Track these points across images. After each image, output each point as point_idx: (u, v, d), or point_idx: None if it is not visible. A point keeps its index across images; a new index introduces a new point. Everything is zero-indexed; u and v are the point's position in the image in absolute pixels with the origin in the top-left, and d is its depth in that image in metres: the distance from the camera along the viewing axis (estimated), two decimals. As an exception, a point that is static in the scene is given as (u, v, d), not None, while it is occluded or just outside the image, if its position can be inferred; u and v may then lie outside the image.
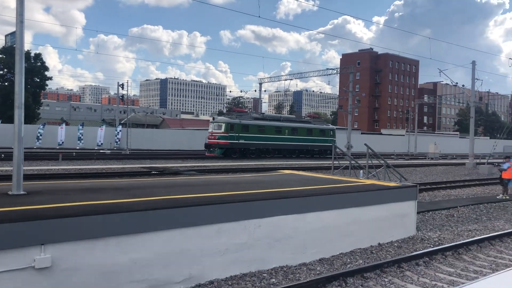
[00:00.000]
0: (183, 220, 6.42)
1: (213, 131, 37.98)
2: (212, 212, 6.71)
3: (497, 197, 17.07)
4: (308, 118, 47.82)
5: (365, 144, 14.34)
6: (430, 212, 13.28)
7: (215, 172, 22.10)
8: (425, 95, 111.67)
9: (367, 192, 9.09)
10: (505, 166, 16.97)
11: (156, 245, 6.15)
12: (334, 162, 15.08)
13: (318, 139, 43.78)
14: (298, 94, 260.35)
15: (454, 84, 40.19)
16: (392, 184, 10.45)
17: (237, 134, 37.85)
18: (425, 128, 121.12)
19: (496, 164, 20.77)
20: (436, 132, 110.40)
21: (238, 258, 6.93)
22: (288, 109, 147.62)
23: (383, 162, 13.90)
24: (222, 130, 37.31)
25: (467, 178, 25.58)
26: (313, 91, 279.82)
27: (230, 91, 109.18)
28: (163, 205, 6.45)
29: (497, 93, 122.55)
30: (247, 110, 50.06)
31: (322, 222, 8.12)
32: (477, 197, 17.13)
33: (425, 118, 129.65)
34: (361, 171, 13.69)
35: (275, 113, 46.58)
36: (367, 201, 8.96)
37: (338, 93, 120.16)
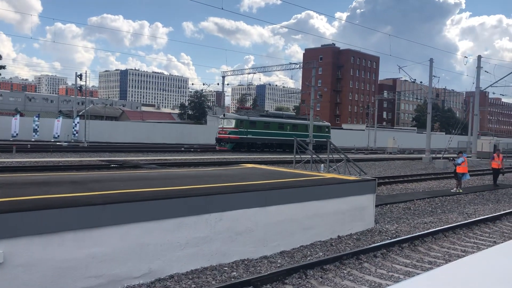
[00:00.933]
0: (142, 214, 6.35)
1: (224, 126, 41.39)
2: (172, 206, 6.67)
3: (451, 190, 17.63)
4: (304, 115, 51.64)
5: (326, 139, 14.60)
6: (388, 205, 13.64)
7: (177, 166, 22.01)
8: (384, 91, 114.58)
9: (328, 186, 9.26)
10: (459, 160, 17.43)
11: (114, 239, 6.06)
12: (296, 156, 15.28)
13: (316, 135, 46.74)
14: (261, 88, 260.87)
15: (412, 80, 41.39)
16: (352, 178, 10.67)
17: (246, 130, 41.42)
18: (384, 123, 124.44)
19: (451, 158, 21.55)
20: (395, 127, 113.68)
21: (199, 252, 6.92)
22: (251, 103, 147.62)
23: (343, 156, 14.22)
24: (233, 125, 40.80)
25: (424, 172, 26.33)
26: (276, 85, 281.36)
27: (193, 84, 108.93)
28: (121, 199, 6.34)
29: (453, 90, 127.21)
30: (252, 107, 52.95)
31: (283, 215, 8.22)
32: (433, 191, 17.68)
33: (385, 113, 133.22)
34: (322, 165, 13.90)
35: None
36: (327, 194, 9.13)
37: (300, 88, 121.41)
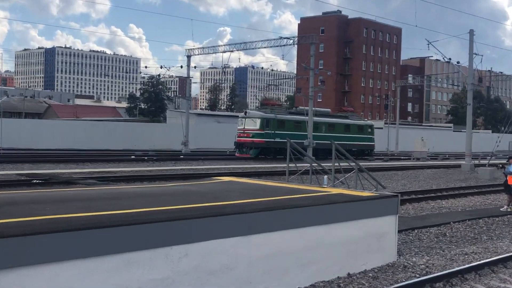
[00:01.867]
0: (76, 249, 6.27)
1: (246, 128, 44.48)
2: (118, 237, 6.61)
3: (501, 209, 17.87)
4: (342, 112, 55.76)
5: (331, 141, 14.74)
6: (416, 231, 13.78)
7: (125, 181, 22.08)
8: (409, 75, 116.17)
9: (333, 205, 9.30)
10: (511, 168, 17.76)
11: (38, 283, 5.97)
12: (291, 165, 15.35)
13: (356, 137, 50.72)
14: (241, 72, 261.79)
15: (446, 60, 42.03)
16: (366, 193, 10.73)
17: (273, 132, 44.50)
18: (409, 118, 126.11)
19: (500, 166, 21.89)
20: (423, 124, 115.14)
21: (157, 300, 6.88)
22: (228, 93, 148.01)
23: (354, 164, 14.33)
24: (257, 126, 43.88)
25: (463, 185, 26.81)
26: (262, 68, 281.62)
27: (146, 67, 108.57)
28: (47, 228, 6.26)
29: (501, 72, 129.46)
30: (280, 103, 55.28)
31: (273, 247, 8.22)
32: (476, 210, 17.95)
33: (410, 105, 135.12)
34: (325, 176, 14.03)
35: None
36: (332, 217, 9.16)
37: (295, 71, 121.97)
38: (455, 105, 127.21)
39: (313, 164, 15.47)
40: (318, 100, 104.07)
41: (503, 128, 58.45)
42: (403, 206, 18.08)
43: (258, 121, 44.22)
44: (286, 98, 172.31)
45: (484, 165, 35.74)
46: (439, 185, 26.71)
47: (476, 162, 40.37)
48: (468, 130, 39.07)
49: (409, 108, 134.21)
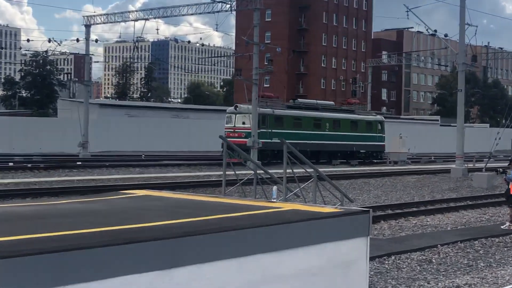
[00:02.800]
0: None
1: (237, 126, 47.50)
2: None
3: (502, 227, 18.29)
4: (347, 105, 60.13)
5: (281, 140, 14.78)
6: (393, 257, 13.94)
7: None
8: (383, 52, 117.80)
9: (284, 226, 9.27)
10: None
11: None
12: (226, 173, 15.37)
13: (365, 135, 54.63)
14: (161, 47, 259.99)
15: (431, 33, 42.78)
16: (328, 209, 10.62)
17: (270, 130, 47.88)
18: (384, 109, 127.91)
19: (501, 170, 22.07)
20: (402, 116, 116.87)
21: None
22: (143, 76, 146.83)
23: (312, 170, 14.42)
24: (252, 124, 45.75)
25: (454, 196, 27.39)
26: (189, 42, 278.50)
27: (29, 40, 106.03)
28: None
29: (501, 49, 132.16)
30: (276, 95, 60.23)
31: (204, 283, 8.16)
32: (470, 229, 18.27)
33: (384, 92, 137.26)
34: (274, 188, 14.12)
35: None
36: (283, 241, 9.13)
37: (234, 47, 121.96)
38: (442, 92, 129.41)
39: (258, 171, 15.54)
40: (265, 85, 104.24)
41: (503, 120, 59.82)
42: (377, 224, 18.24)
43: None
44: (221, 83, 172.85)
45: (480, 169, 36.17)
46: (423, 197, 27.13)
47: (470, 165, 41.05)
48: (459, 123, 39.66)
49: (384, 96, 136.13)
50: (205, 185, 27.80)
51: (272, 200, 12.74)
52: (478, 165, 42.33)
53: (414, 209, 22.41)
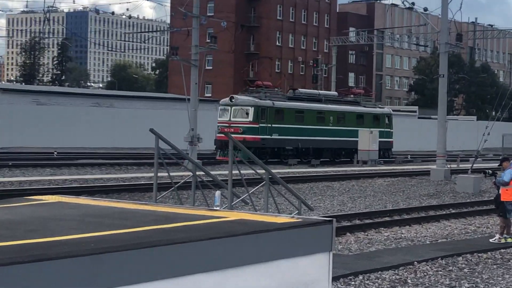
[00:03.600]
0: None
1: (233, 120, 50.41)
2: None
3: (491, 240, 18.48)
4: (352, 95, 64.91)
5: (225, 133, 14.73)
6: (361, 276, 13.98)
7: None
8: (351, 29, 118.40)
9: (230, 240, 9.15)
10: (506, 176, 18.25)
11: None
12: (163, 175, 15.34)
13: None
14: (78, 19, 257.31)
15: (408, 6, 42.94)
16: (283, 219, 10.36)
17: (270, 125, 50.83)
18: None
19: (489, 172, 22.08)
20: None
21: None
22: (55, 54, 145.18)
23: (264, 172, 14.43)
24: (250, 118, 49.95)
25: (434, 203, 27.64)
26: (113, 13, 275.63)
27: None
28: None
29: (491, 26, 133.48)
30: (275, 84, 61.81)
31: (132, 309, 8.10)
32: (453, 242, 18.48)
33: (352, 76, 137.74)
34: (217, 193, 14.06)
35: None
36: (229, 258, 9.10)
37: (168, 21, 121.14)
38: (421, 77, 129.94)
39: (198, 173, 15.50)
40: (207, 67, 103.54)
41: (493, 112, 60.48)
42: (342, 237, 18.28)
43: (251, 111, 50.14)
44: (153, 64, 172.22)
45: (465, 171, 36.24)
46: (397, 204, 27.41)
47: (454, 166, 41.42)
48: (440, 116, 39.90)
49: (351, 81, 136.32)
50: (133, 189, 27.63)
51: (215, 208, 12.54)
52: (463, 165, 42.82)
53: (387, 218, 22.59)
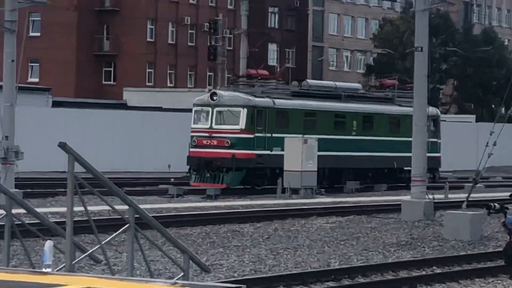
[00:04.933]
0: None
1: (215, 127, 42.49)
2: None
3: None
4: (386, 88, 52.56)
5: (61, 144, 11.47)
6: None
7: None
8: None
9: None
10: None
11: None
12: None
13: (407, 141, 42.34)
14: None
15: None
16: (159, 286, 8.47)
17: (270, 135, 42.88)
18: (274, 83, 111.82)
19: (496, 207, 19.41)
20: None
21: None
22: None
23: (128, 208, 11.72)
24: (242, 125, 42.08)
25: (407, 259, 23.33)
26: None
27: None
28: None
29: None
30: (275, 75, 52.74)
31: None
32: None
33: (274, 49, 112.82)
34: (47, 244, 10.36)
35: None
36: None
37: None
38: (385, 51, 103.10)
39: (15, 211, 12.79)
40: (32, 33, 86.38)
41: (503, 109, 52.99)
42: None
43: (243, 114, 41.59)
44: None
45: (458, 204, 31.98)
46: (347, 259, 22.92)
47: (439, 196, 37.60)
48: (417, 114, 33.51)
49: (273, 58, 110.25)
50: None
51: (44, 270, 9.41)
52: (453, 195, 39.41)
53: (331, 284, 18.73)
